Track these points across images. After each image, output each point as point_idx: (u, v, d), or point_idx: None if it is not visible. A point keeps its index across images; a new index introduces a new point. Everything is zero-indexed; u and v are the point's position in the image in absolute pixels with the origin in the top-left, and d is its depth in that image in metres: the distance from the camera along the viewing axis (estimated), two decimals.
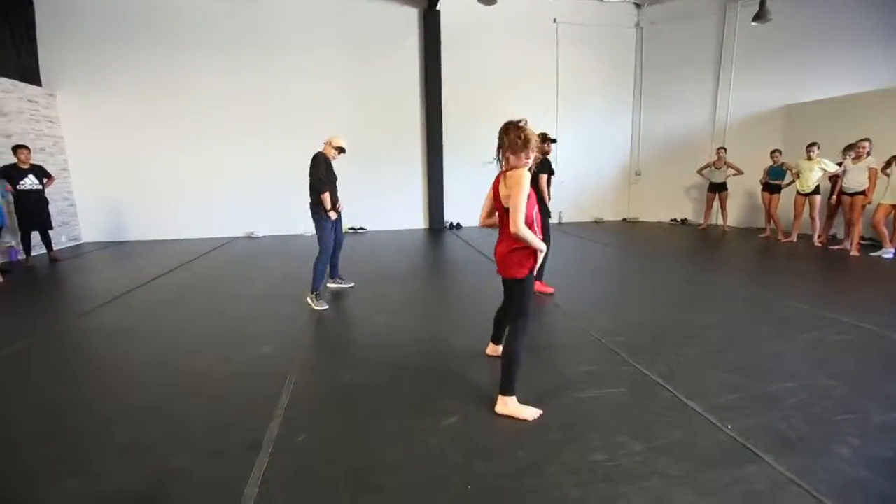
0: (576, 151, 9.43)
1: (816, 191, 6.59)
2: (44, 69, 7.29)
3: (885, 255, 5.71)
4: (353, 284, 4.63)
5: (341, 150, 4.14)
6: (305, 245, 7.26)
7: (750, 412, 2.16)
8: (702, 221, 8.63)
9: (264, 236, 8.18)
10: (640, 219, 9.80)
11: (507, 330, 2.27)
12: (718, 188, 8.14)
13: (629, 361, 2.73)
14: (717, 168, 8.09)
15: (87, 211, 7.87)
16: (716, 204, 8.30)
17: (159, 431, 2.09)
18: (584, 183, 9.64)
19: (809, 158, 6.55)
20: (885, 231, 5.78)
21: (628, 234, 8.14)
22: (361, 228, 8.42)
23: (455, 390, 2.43)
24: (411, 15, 8.35)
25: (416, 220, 9.00)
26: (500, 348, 2.83)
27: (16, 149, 5.97)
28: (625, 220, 9.91)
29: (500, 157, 2.12)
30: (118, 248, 7.29)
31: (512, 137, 2.04)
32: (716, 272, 5.32)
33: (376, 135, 8.39)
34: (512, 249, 2.13)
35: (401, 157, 8.70)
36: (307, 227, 8.20)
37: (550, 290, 4.21)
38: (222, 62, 7.79)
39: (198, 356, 2.95)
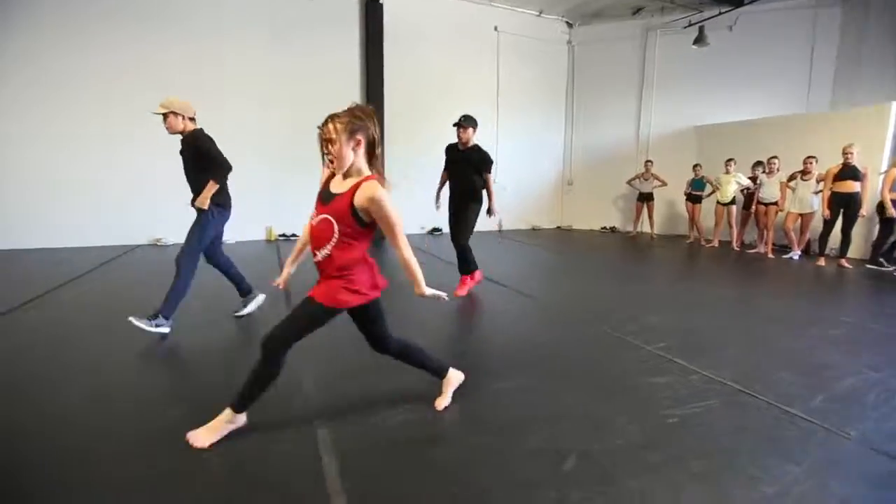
0: (515, 160, 9.52)
1: (733, 201, 7.38)
2: None
3: (794, 257, 6.54)
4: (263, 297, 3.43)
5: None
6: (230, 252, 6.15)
7: (850, 414, 2.07)
8: (631, 229, 9.22)
9: (174, 244, 6.79)
10: (574, 227, 10.20)
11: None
12: (646, 198, 8.78)
13: (692, 368, 2.54)
14: (644, 179, 8.72)
15: None
16: (643, 213, 8.93)
17: None
18: (522, 191, 9.76)
19: (727, 172, 7.32)
20: (793, 236, 6.64)
21: (574, 242, 8.35)
22: (294, 235, 7.44)
23: (552, 424, 1.98)
24: (352, 5, 7.72)
25: None
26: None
27: None
28: (559, 227, 10.24)
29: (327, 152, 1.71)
30: None
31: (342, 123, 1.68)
32: (678, 276, 5.60)
33: (313, 134, 7.53)
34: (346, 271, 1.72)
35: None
36: (235, 233, 7.06)
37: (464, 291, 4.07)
38: (123, 36, 6.34)
39: (148, 414, 2.08)
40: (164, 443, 1.74)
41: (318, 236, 1.72)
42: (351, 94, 7.81)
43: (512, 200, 9.57)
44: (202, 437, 1.73)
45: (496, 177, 9.15)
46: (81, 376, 2.37)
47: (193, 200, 2.99)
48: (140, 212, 6.70)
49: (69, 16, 6.09)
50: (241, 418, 1.81)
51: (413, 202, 8.48)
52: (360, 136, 1.68)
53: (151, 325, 2.79)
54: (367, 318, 1.88)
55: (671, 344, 2.91)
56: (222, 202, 3.04)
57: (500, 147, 9.35)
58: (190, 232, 2.96)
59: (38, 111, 6.09)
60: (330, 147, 1.66)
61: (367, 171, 1.72)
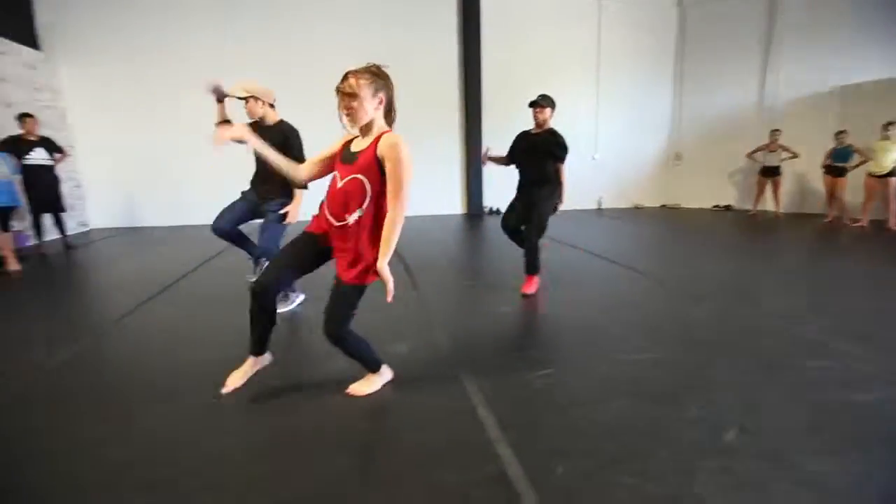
0: (616, 133, 9.02)
1: (892, 173, 6.29)
2: (41, 30, 6.43)
3: None
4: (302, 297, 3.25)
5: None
6: None
7: None
8: (750, 207, 8.30)
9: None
10: (681, 205, 9.45)
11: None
12: (771, 172, 7.82)
13: (855, 353, 2.27)
14: (770, 151, 7.76)
15: (96, 193, 7.08)
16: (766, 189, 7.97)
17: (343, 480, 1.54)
18: (624, 167, 9.23)
19: (886, 138, 6.24)
20: None
21: (685, 221, 7.76)
22: None
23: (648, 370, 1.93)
24: None
25: (454, 205, 8.44)
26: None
27: (22, 117, 5.17)
28: (664, 206, 9.55)
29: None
30: (136, 235, 6.55)
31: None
32: (820, 257, 4.98)
33: (410, 114, 7.71)
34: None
35: (437, 138, 8.11)
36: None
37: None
38: (247, 32, 7.08)
39: (322, 368, 2.38)
40: (334, 392, 1.99)
41: (346, 199, 1.62)
42: (448, 72, 7.93)
43: (612, 177, 9.14)
44: (360, 388, 1.95)
45: (596, 152, 8.88)
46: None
47: (263, 193, 2.98)
48: None
49: (213, 11, 6.90)
50: (388, 372, 2.00)
51: (510, 181, 8.49)
52: (381, 95, 1.62)
53: (289, 305, 3.12)
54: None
55: (825, 327, 2.63)
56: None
57: (600, 121, 8.93)
58: (265, 229, 2.98)
59: (188, 103, 7.02)
60: (350, 102, 1.57)
61: (387, 128, 1.67)
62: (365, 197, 1.61)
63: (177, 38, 6.87)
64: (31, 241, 5.51)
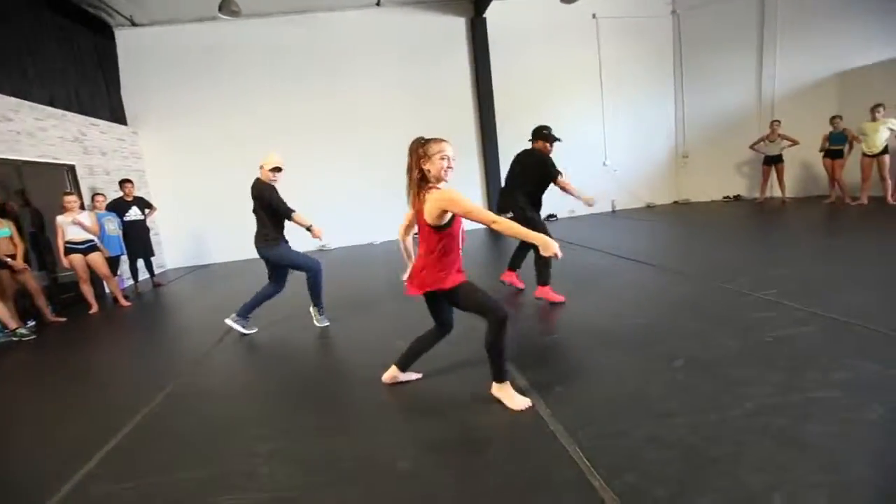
0: (624, 139, 9.67)
1: (885, 151, 6.71)
2: (127, 109, 7.77)
3: None
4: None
5: (278, 169, 3.66)
6: (379, 254, 7.56)
7: None
8: (758, 195, 8.75)
9: (335, 248, 8.50)
10: (691, 200, 9.95)
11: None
12: (774, 161, 8.28)
13: (796, 307, 2.92)
14: (771, 141, 8.24)
15: (168, 238, 8.28)
16: (771, 177, 8.43)
17: None
18: (634, 170, 9.85)
19: (874, 120, 6.69)
20: None
21: (696, 214, 8.30)
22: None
23: None
24: (459, 24, 8.73)
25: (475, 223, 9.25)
26: (401, 375, 2.46)
27: (122, 183, 6.38)
28: (675, 202, 10.07)
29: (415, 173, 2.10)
30: (207, 271, 7.64)
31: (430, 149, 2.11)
32: (814, 236, 5.49)
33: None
34: (434, 264, 2.11)
35: (458, 160, 8.95)
36: (375, 237, 8.60)
37: (560, 298, 3.59)
38: (288, 85, 8.24)
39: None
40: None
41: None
42: (464, 100, 8.84)
43: (623, 180, 9.77)
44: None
45: (606, 159, 9.56)
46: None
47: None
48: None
49: (252, 71, 8.10)
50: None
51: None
52: None
53: (323, 321, 3.85)
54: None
55: (782, 290, 3.26)
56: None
57: (607, 129, 9.62)
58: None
59: (237, 152, 8.19)
60: (451, 162, 2.16)
61: None
62: None
63: (223, 107, 8.09)
64: (128, 283, 6.65)
